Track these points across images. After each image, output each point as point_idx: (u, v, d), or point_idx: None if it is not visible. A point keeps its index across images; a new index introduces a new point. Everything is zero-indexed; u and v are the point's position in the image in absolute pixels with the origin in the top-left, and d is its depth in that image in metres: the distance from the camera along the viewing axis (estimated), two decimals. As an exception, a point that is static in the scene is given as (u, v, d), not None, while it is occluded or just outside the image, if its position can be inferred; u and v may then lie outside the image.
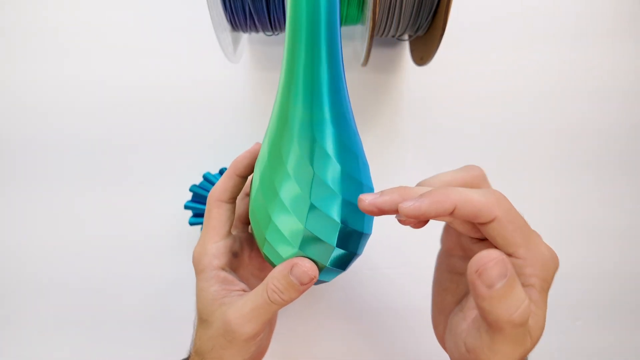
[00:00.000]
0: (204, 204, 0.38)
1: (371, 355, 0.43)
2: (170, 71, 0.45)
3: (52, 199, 0.44)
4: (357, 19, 0.37)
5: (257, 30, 0.38)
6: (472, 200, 0.21)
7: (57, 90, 0.45)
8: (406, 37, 0.41)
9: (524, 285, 0.21)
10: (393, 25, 0.36)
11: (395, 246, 0.44)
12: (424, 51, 0.38)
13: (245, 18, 0.36)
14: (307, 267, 0.24)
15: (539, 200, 0.45)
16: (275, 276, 0.24)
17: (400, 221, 0.23)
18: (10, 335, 0.43)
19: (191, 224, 0.39)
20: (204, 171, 0.42)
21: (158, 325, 0.43)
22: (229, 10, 0.35)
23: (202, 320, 0.27)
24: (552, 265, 0.22)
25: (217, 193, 0.28)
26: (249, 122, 0.45)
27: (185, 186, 0.42)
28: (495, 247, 0.22)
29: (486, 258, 0.18)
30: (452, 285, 0.27)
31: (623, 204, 0.45)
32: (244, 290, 0.28)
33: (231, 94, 0.45)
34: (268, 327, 0.29)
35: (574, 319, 0.44)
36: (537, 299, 0.21)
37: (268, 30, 0.38)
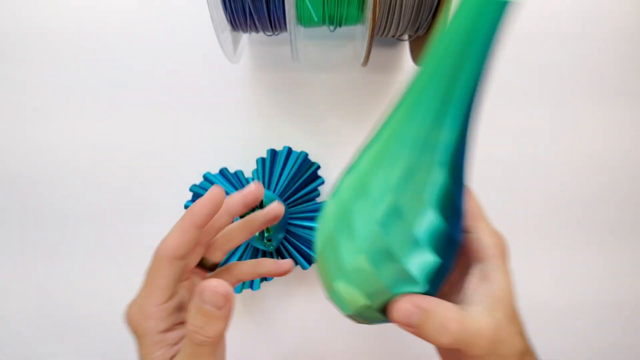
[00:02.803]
0: None
1: (370, 354, 0.43)
2: (171, 71, 0.45)
3: (52, 199, 0.44)
4: (357, 19, 0.37)
5: (257, 31, 0.38)
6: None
7: (57, 90, 0.45)
8: (406, 37, 0.41)
9: (488, 259, 0.24)
10: (393, 25, 0.36)
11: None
12: (424, 51, 0.38)
13: (246, 18, 0.36)
14: (214, 285, 0.21)
15: (538, 199, 0.45)
16: (191, 314, 0.21)
17: None
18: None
19: None
20: (203, 171, 0.42)
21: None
22: (229, 10, 0.35)
23: None
24: (502, 239, 0.26)
25: (171, 249, 0.25)
26: (249, 123, 0.45)
27: (185, 186, 0.42)
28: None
29: (396, 307, 0.21)
30: None
31: (624, 203, 0.45)
32: None
33: (231, 94, 0.45)
34: None
35: (574, 318, 0.44)
36: (501, 269, 0.24)
37: (268, 31, 0.38)
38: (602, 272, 0.44)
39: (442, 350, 0.27)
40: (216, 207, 0.26)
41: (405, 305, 0.21)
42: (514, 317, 0.23)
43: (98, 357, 0.44)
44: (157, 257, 0.25)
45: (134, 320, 0.24)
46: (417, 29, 0.37)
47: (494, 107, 0.46)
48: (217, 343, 0.22)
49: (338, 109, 0.45)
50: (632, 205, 0.45)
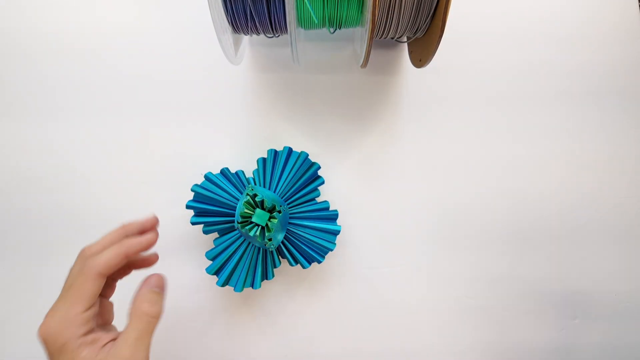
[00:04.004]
0: (206, 203, 0.39)
1: (370, 353, 0.44)
2: (172, 73, 0.45)
3: (53, 199, 0.44)
4: (357, 21, 0.37)
5: (257, 33, 0.39)
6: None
7: (58, 91, 0.45)
8: (405, 38, 0.41)
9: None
10: (392, 27, 0.36)
11: (394, 246, 0.44)
12: (422, 53, 0.39)
13: (247, 20, 0.36)
14: (158, 275, 0.30)
15: (537, 199, 0.45)
16: (142, 298, 0.28)
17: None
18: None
19: (193, 223, 0.40)
20: (205, 171, 0.42)
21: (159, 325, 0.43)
22: (230, 12, 0.36)
23: None
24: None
25: (101, 268, 0.28)
26: (250, 123, 0.45)
27: (186, 186, 0.43)
28: None
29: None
30: None
31: (623, 202, 0.45)
32: (114, 338, 0.28)
33: (232, 95, 0.45)
34: None
35: (571, 317, 0.44)
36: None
37: (269, 33, 0.39)
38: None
39: None
40: (148, 242, 0.31)
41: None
42: None
43: None
44: (86, 272, 0.28)
45: (54, 331, 0.26)
46: (416, 30, 0.37)
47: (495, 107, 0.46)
48: (158, 321, 0.28)
49: (338, 110, 0.46)
50: (628, 207, 0.45)
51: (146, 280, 0.30)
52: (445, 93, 0.46)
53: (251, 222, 0.36)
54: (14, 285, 0.43)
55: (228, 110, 0.45)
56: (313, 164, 0.40)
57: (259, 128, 0.45)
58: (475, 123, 0.46)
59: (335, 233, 0.39)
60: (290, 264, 0.40)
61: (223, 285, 0.38)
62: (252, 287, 0.39)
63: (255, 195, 0.37)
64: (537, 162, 0.46)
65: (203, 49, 0.45)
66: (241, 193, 0.39)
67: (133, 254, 0.30)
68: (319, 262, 0.40)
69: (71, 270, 0.30)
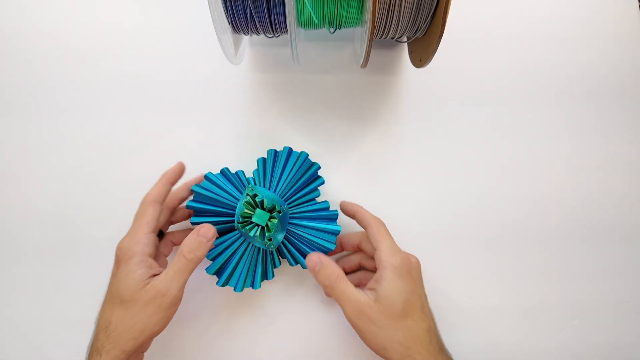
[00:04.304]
0: (206, 203, 0.39)
1: (370, 353, 0.44)
2: (172, 73, 0.45)
3: (52, 199, 0.44)
4: (357, 20, 0.37)
5: (257, 33, 0.39)
6: (364, 211, 0.39)
7: (59, 91, 0.45)
8: (405, 38, 0.41)
9: (380, 268, 0.34)
10: (392, 27, 0.36)
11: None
12: (422, 53, 0.39)
13: (247, 20, 0.37)
14: (207, 226, 0.34)
15: (537, 199, 0.45)
16: (187, 241, 0.33)
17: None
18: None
19: (193, 223, 0.40)
20: (204, 171, 0.42)
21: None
22: (230, 12, 0.36)
23: (124, 302, 0.32)
24: (399, 257, 0.34)
25: (154, 195, 0.36)
26: (249, 123, 0.45)
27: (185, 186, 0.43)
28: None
29: (308, 258, 0.36)
30: None
31: (622, 203, 0.45)
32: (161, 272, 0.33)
33: (232, 95, 0.45)
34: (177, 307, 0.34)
35: (571, 317, 0.44)
36: (389, 277, 0.33)
37: (269, 33, 0.39)
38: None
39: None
40: (180, 172, 0.39)
41: (315, 258, 0.35)
42: (394, 314, 0.32)
43: None
44: (144, 202, 0.36)
45: (124, 247, 0.33)
46: (416, 30, 0.37)
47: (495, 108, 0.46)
48: (197, 264, 0.33)
49: (338, 110, 0.46)
50: (628, 206, 0.45)
51: (197, 228, 0.34)
52: (445, 93, 0.46)
53: (251, 222, 0.36)
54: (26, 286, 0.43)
55: (228, 110, 0.45)
56: (313, 164, 0.40)
57: (259, 128, 0.45)
58: (476, 123, 0.46)
59: (335, 233, 0.39)
60: (290, 264, 0.40)
61: (223, 285, 0.37)
62: (252, 287, 0.39)
63: (255, 195, 0.37)
64: (537, 162, 0.46)
65: (203, 49, 0.45)
66: (241, 193, 0.39)
67: (172, 178, 0.38)
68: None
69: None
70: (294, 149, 0.41)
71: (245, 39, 0.45)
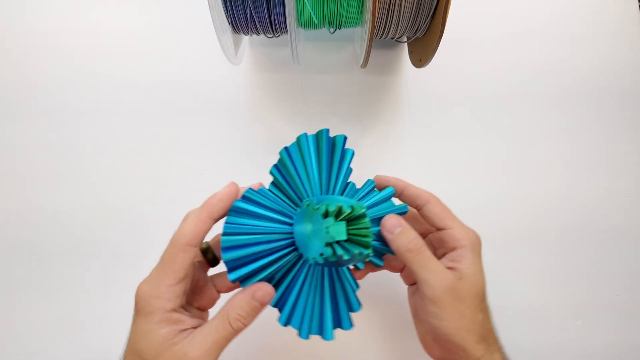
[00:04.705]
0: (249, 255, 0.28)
1: (370, 353, 0.43)
2: (172, 73, 0.45)
3: (52, 199, 0.44)
4: (357, 20, 0.37)
5: (257, 33, 0.39)
6: (415, 187, 0.33)
7: (59, 91, 0.45)
8: (405, 38, 0.41)
9: (457, 247, 0.30)
10: (392, 27, 0.36)
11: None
12: (422, 53, 0.39)
13: (247, 20, 0.36)
14: (265, 288, 0.27)
15: (537, 199, 0.45)
16: (237, 305, 0.26)
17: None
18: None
19: (234, 280, 0.28)
20: (204, 171, 0.42)
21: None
22: (230, 12, 0.36)
23: None
24: (473, 235, 0.31)
25: (188, 237, 0.27)
26: (249, 124, 0.45)
27: (185, 186, 0.43)
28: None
29: (387, 218, 0.29)
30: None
31: (623, 204, 0.45)
32: (194, 327, 0.27)
33: (232, 95, 0.45)
34: None
35: (573, 318, 0.44)
36: (470, 256, 0.30)
37: (269, 33, 0.39)
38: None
39: (415, 312, 0.33)
40: (230, 200, 0.28)
41: (394, 219, 0.29)
42: (478, 295, 0.29)
43: None
44: (174, 243, 0.27)
45: (143, 298, 0.26)
46: (416, 30, 0.37)
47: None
48: (238, 334, 0.27)
49: (338, 110, 0.45)
50: (630, 207, 0.45)
51: (253, 288, 0.27)
52: (445, 93, 0.46)
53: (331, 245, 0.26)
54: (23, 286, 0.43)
55: (227, 110, 0.45)
56: (334, 138, 0.31)
57: (259, 128, 0.45)
58: (476, 123, 0.46)
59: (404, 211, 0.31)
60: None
61: (286, 323, 0.29)
62: (322, 335, 0.29)
63: (327, 209, 0.26)
64: (538, 162, 0.45)
65: (203, 49, 0.45)
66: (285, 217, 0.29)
67: (217, 212, 0.28)
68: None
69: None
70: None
71: (245, 39, 0.45)
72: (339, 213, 0.26)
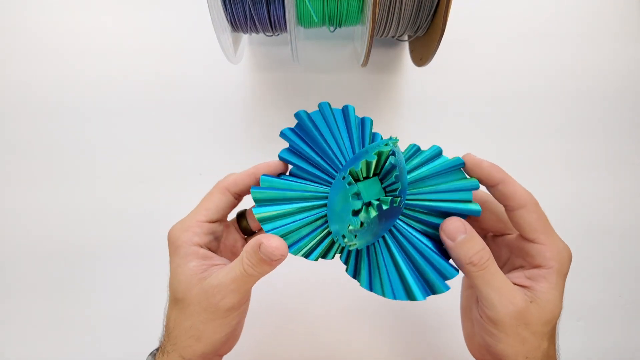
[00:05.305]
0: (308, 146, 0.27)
1: (370, 354, 0.43)
2: (171, 72, 0.45)
3: (52, 198, 0.44)
4: (357, 19, 0.37)
5: (257, 31, 0.39)
6: (513, 183, 0.27)
7: (60, 91, 0.45)
8: (406, 37, 0.41)
9: (543, 267, 0.25)
10: (393, 26, 0.36)
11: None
12: (423, 52, 0.38)
13: (246, 19, 0.36)
14: (273, 247, 0.23)
15: (538, 198, 0.45)
16: (247, 251, 0.24)
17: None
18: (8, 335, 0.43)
19: (281, 158, 0.28)
20: (204, 171, 0.42)
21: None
22: (230, 11, 0.36)
23: (178, 300, 0.26)
24: (566, 254, 0.26)
25: (229, 183, 0.27)
26: (249, 123, 0.45)
27: (185, 186, 0.42)
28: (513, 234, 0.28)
29: (448, 221, 0.24)
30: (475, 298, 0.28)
31: (624, 203, 0.45)
32: (224, 264, 0.27)
33: (232, 94, 0.45)
34: (244, 308, 0.28)
35: (576, 319, 0.43)
36: (554, 280, 0.25)
37: (268, 31, 0.39)
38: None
39: (466, 308, 0.30)
40: (277, 171, 0.28)
41: (459, 223, 0.24)
42: (550, 323, 0.25)
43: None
44: (216, 186, 0.28)
45: (173, 235, 0.27)
46: (417, 29, 0.37)
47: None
48: (259, 279, 0.25)
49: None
50: (632, 207, 0.45)
51: (260, 239, 0.24)
52: (446, 92, 0.46)
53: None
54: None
55: (227, 109, 0.45)
56: (364, 118, 0.29)
57: (258, 127, 0.45)
58: (476, 122, 0.45)
59: (474, 188, 0.26)
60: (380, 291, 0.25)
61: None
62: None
63: (389, 155, 0.23)
64: (538, 161, 0.45)
65: (202, 47, 0.45)
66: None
67: (270, 170, 0.27)
68: (443, 290, 0.25)
69: None
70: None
71: (245, 37, 0.45)
72: (367, 169, 0.23)
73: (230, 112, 0.45)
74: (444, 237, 0.25)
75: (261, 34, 0.40)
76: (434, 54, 0.35)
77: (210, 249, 0.28)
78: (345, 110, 0.28)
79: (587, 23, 0.47)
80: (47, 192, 0.44)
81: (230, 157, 0.44)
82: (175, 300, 0.26)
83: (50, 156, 0.44)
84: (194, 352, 0.26)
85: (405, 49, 0.45)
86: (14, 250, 0.43)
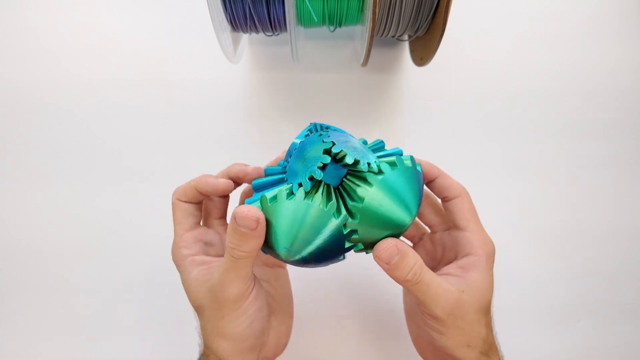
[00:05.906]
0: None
1: (370, 354, 0.43)
2: (171, 71, 0.45)
3: (55, 199, 0.44)
4: (357, 19, 0.37)
5: (257, 31, 0.39)
6: (449, 177, 0.31)
7: (60, 91, 0.45)
8: (406, 37, 0.41)
9: (471, 254, 0.28)
10: (393, 26, 0.36)
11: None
12: (423, 51, 0.38)
13: (246, 18, 0.36)
14: (245, 212, 0.23)
15: (539, 199, 0.45)
16: (228, 233, 0.24)
17: None
18: (10, 335, 0.43)
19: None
20: (204, 170, 0.41)
21: (168, 326, 0.43)
22: (229, 10, 0.36)
23: (197, 309, 0.28)
24: (491, 246, 0.29)
25: (177, 194, 0.31)
26: (249, 122, 0.45)
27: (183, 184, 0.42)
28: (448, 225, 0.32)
29: (380, 247, 0.25)
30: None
31: (625, 204, 0.45)
32: None
33: (231, 94, 0.45)
34: (256, 296, 0.28)
35: (576, 319, 0.43)
36: (483, 267, 0.28)
37: (268, 31, 0.39)
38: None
39: (410, 311, 0.33)
40: (218, 193, 0.30)
41: (390, 246, 0.25)
42: (483, 308, 0.27)
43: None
44: (172, 200, 0.31)
45: (172, 254, 0.30)
46: (417, 29, 0.37)
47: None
48: (253, 257, 0.25)
49: (338, 109, 0.45)
50: (633, 207, 0.45)
51: (234, 213, 0.24)
52: (446, 92, 0.46)
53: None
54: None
55: (227, 109, 0.45)
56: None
57: (258, 127, 0.45)
58: (477, 122, 0.45)
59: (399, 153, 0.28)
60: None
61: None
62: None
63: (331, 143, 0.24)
64: (538, 161, 0.45)
65: (201, 47, 0.45)
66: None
67: (203, 190, 0.30)
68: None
69: None
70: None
71: (245, 37, 0.45)
72: (341, 159, 0.23)
73: (230, 111, 0.45)
74: (379, 262, 0.25)
75: (261, 34, 0.39)
76: (434, 53, 0.35)
77: (207, 254, 0.30)
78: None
79: (588, 23, 0.47)
80: (47, 192, 0.44)
81: (229, 156, 0.44)
82: (196, 310, 0.28)
83: (50, 156, 0.44)
84: (225, 350, 0.27)
85: (406, 48, 0.45)
86: (14, 250, 0.43)
